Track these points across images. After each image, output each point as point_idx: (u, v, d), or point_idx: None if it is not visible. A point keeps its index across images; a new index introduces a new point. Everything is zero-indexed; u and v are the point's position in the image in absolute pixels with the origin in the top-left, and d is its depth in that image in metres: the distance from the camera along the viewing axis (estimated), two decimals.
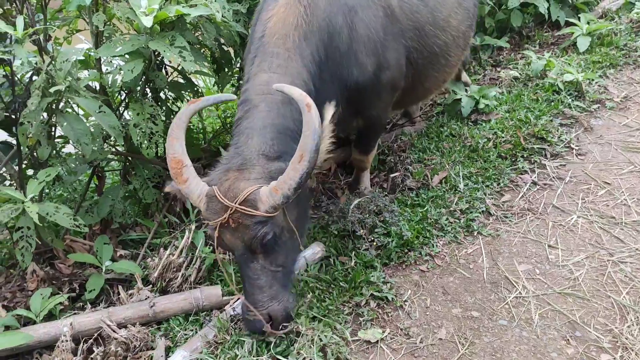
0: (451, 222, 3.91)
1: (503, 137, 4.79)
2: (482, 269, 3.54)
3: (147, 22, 3.25)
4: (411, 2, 3.65)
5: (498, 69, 6.54)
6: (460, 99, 5.35)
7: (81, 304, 3.53)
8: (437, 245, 3.74)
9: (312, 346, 2.89)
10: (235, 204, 2.58)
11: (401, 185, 4.38)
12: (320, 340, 2.93)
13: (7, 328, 3.17)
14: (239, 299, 3.27)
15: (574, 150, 4.63)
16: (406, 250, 3.67)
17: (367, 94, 3.51)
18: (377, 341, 3.02)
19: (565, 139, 4.71)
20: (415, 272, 3.55)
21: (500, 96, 5.65)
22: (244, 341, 2.98)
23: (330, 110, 2.88)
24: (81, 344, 3.15)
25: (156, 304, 3.32)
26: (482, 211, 4.02)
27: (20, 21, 3.26)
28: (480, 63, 6.71)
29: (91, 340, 3.19)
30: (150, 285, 3.56)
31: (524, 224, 3.91)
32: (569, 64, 5.88)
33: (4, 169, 3.58)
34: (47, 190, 4.65)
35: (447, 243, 3.77)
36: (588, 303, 3.22)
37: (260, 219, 2.61)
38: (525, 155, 4.60)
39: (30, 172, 3.76)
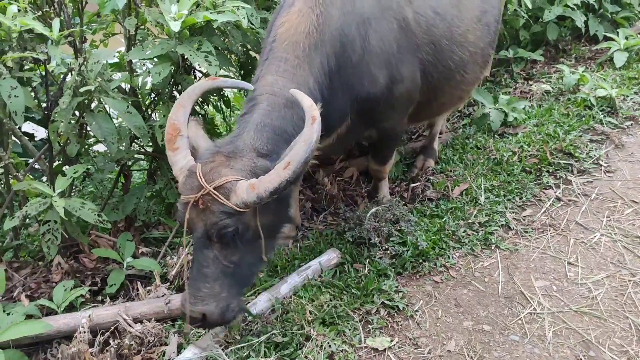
0: (469, 234, 3.88)
1: (529, 151, 4.72)
2: (497, 283, 3.50)
3: (175, 26, 3.35)
4: (427, 15, 3.59)
5: (530, 82, 6.46)
6: (489, 112, 5.31)
7: (101, 297, 3.64)
8: (452, 257, 3.71)
9: (320, 352, 2.91)
10: (210, 186, 2.56)
11: (421, 196, 4.37)
12: (329, 346, 2.96)
13: (29, 317, 3.30)
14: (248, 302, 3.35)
15: (602, 167, 4.53)
16: (421, 261, 3.66)
17: (379, 106, 3.48)
18: (385, 349, 3.02)
19: (594, 155, 4.61)
20: (429, 283, 3.53)
21: (529, 110, 5.58)
22: (253, 341, 3.03)
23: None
24: (98, 336, 3.26)
25: (172, 302, 3.40)
26: (502, 225, 3.98)
27: (56, 23, 3.42)
28: (512, 76, 6.63)
29: (108, 333, 3.30)
30: (168, 283, 3.65)
31: (544, 240, 3.84)
32: (604, 79, 5.76)
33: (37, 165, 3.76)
34: (79, 187, 4.83)
35: (463, 255, 3.75)
36: (604, 323, 3.15)
37: (227, 209, 2.57)
38: (550, 170, 4.53)
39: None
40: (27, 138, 4.06)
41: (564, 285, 3.45)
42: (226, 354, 3.02)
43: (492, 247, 3.80)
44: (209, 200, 2.58)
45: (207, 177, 2.60)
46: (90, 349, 3.17)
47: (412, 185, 4.51)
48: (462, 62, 3.84)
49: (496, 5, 4.29)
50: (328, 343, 2.95)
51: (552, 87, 6.03)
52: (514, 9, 6.06)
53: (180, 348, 3.18)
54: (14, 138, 3.58)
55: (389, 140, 3.99)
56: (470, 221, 3.98)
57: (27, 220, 3.90)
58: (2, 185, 3.80)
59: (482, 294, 3.43)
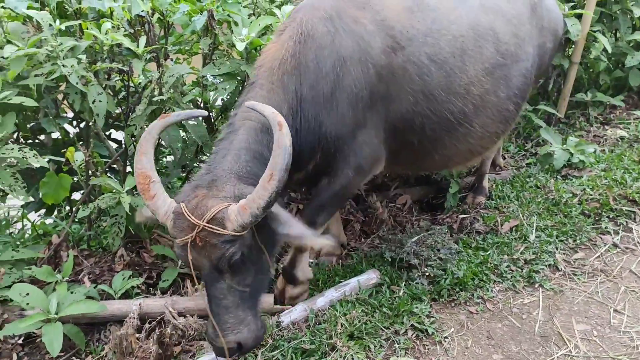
0: (512, 270, 3.84)
1: (591, 195, 4.60)
2: (535, 321, 3.44)
3: (241, 46, 3.68)
4: (421, 62, 3.33)
5: (606, 127, 6.27)
6: (553, 152, 5.23)
7: (154, 291, 3.94)
8: (492, 290, 3.69)
9: None
10: (202, 222, 2.51)
11: (469, 228, 4.37)
12: (352, 358, 3.04)
13: (89, 298, 3.65)
14: (283, 310, 3.50)
15: None
16: (458, 289, 3.67)
17: (343, 149, 3.28)
18: None
19: None
20: (463, 312, 3.53)
21: (600, 154, 5.43)
22: (284, 346, 3.18)
23: None
24: (146, 323, 3.54)
25: None
26: (549, 264, 3.90)
27: (142, 40, 3.84)
28: (589, 119, 6.47)
29: (154, 322, 3.57)
30: None
31: (592, 285, 3.73)
32: None
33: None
34: None
35: (503, 290, 3.71)
36: None
37: (228, 238, 2.53)
38: (611, 216, 4.39)
39: None
40: (113, 144, 4.54)
41: (605, 331, 3.33)
42: (255, 355, 3.18)
43: (535, 286, 3.74)
44: (206, 235, 2.53)
45: (195, 214, 2.54)
46: (137, 335, 3.45)
47: (461, 216, 4.51)
48: (465, 115, 3.57)
49: (529, 57, 3.91)
50: (351, 355, 3.04)
51: (629, 134, 5.83)
52: (597, 54, 5.96)
53: None
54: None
55: (334, 197, 3.51)
56: (515, 257, 3.94)
57: (99, 213, 4.30)
58: (83, 181, 4.24)
59: (516, 330, 3.38)
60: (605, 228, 4.25)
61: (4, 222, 4.70)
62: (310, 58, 3.11)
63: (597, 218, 4.38)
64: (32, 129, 4.30)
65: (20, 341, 3.50)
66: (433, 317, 3.45)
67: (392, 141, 3.50)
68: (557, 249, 4.04)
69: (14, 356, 3.43)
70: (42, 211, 4.59)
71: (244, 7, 4.34)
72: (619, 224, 4.31)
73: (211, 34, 4.05)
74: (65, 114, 4.33)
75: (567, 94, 6.38)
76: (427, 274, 3.69)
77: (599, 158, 5.31)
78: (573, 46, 6.05)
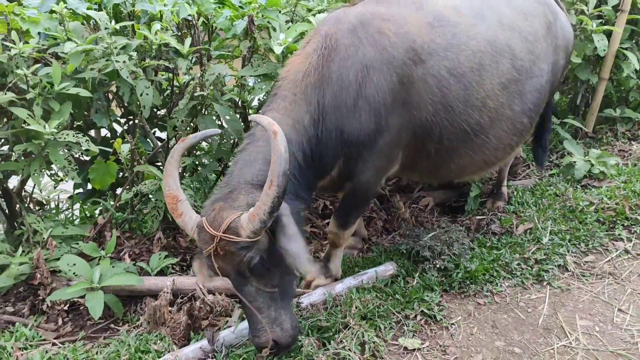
0: (522, 268, 4.04)
1: (608, 204, 4.74)
2: (540, 315, 3.63)
3: (278, 50, 4.01)
4: (441, 76, 3.48)
5: (633, 143, 6.36)
6: (575, 162, 5.38)
7: (187, 271, 4.28)
8: (501, 285, 3.90)
9: (353, 339, 3.27)
10: (219, 232, 2.71)
11: (485, 228, 4.57)
12: (363, 336, 3.30)
13: (129, 273, 4.01)
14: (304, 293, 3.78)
15: None
16: (469, 282, 3.88)
17: (363, 155, 3.46)
18: (414, 350, 3.30)
19: None
20: (472, 303, 3.75)
21: (622, 167, 5.55)
22: (301, 323, 3.46)
23: None
24: (178, 298, 3.88)
25: None
26: (559, 265, 4.08)
27: (187, 41, 4.23)
28: (616, 135, 6.57)
29: (186, 297, 3.90)
30: None
31: (600, 286, 3.89)
32: None
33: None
34: (188, 180, 5.62)
35: (512, 286, 3.91)
36: None
37: (243, 245, 2.72)
38: (626, 224, 4.53)
39: None
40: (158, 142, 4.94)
41: (607, 327, 3.49)
42: None
43: (544, 284, 3.92)
44: (225, 244, 2.73)
45: (214, 226, 2.75)
46: (170, 308, 3.79)
47: (478, 217, 4.72)
48: (480, 126, 3.71)
49: (543, 74, 4.02)
50: (362, 332, 3.29)
51: None
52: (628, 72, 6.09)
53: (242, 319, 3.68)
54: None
55: (359, 199, 3.81)
56: (526, 256, 4.13)
57: (141, 198, 4.68)
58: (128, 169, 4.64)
59: (521, 322, 3.58)
60: (619, 235, 4.39)
61: (53, 210, 5.18)
62: (334, 70, 3.27)
63: (611, 225, 4.53)
64: (84, 123, 4.75)
65: (65, 308, 3.88)
66: (442, 305, 3.68)
67: (411, 148, 3.68)
68: (568, 251, 4.21)
69: (60, 320, 3.82)
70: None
71: (282, 14, 4.69)
72: (632, 232, 4.44)
73: (250, 38, 4.41)
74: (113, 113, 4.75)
75: (596, 109, 6.51)
76: (438, 266, 3.91)
77: (621, 170, 5.43)
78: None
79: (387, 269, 4.06)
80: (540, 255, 4.13)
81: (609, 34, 5.95)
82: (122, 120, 4.76)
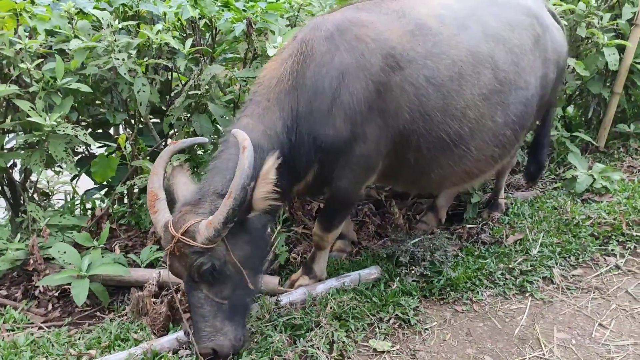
0: (506, 278, 4.01)
1: (605, 219, 4.65)
2: (517, 325, 3.60)
3: (272, 52, 4.09)
4: (419, 84, 3.43)
5: None
6: (577, 176, 5.31)
7: None
8: (482, 294, 3.87)
9: (322, 338, 3.31)
10: (178, 234, 2.83)
11: (475, 237, 4.55)
12: (332, 335, 3.33)
13: (118, 264, 4.14)
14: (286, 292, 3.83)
15: None
16: (449, 290, 3.87)
17: (339, 161, 3.45)
18: (384, 352, 3.32)
19: None
20: (450, 310, 3.74)
21: (628, 183, 5.44)
22: (277, 320, 3.51)
23: (271, 160, 2.91)
24: (164, 290, 3.98)
25: None
26: (544, 277, 4.04)
27: (188, 42, 4.37)
28: (628, 150, 6.44)
29: (171, 290, 4.00)
30: None
31: (584, 299, 3.83)
32: None
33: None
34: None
35: (493, 295, 3.88)
36: None
37: (197, 249, 2.82)
38: (621, 240, 4.45)
39: None
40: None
41: (584, 342, 3.44)
42: (251, 325, 3.53)
43: (526, 295, 3.88)
44: (181, 246, 2.85)
45: (176, 227, 2.87)
46: (154, 300, 3.89)
47: (469, 227, 4.70)
48: (460, 137, 3.65)
49: (529, 87, 3.93)
50: (332, 332, 3.33)
51: None
52: None
53: None
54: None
55: (340, 203, 3.80)
56: (511, 266, 4.09)
57: (139, 192, 4.83)
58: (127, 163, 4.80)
59: (497, 331, 3.55)
60: (612, 250, 4.32)
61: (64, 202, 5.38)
62: (309, 76, 3.27)
63: (605, 240, 4.45)
64: (98, 120, 4.95)
65: (56, 294, 4.03)
66: (419, 310, 3.68)
67: (392, 157, 3.65)
68: (556, 264, 4.16)
69: (50, 306, 3.97)
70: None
71: (285, 18, 4.78)
72: (627, 247, 4.36)
73: (249, 41, 4.52)
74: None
75: (608, 124, 6.40)
76: (414, 271, 3.92)
77: (626, 186, 5.32)
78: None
79: (371, 272, 4.08)
80: (526, 267, 4.09)
81: (622, 48, 5.85)
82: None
